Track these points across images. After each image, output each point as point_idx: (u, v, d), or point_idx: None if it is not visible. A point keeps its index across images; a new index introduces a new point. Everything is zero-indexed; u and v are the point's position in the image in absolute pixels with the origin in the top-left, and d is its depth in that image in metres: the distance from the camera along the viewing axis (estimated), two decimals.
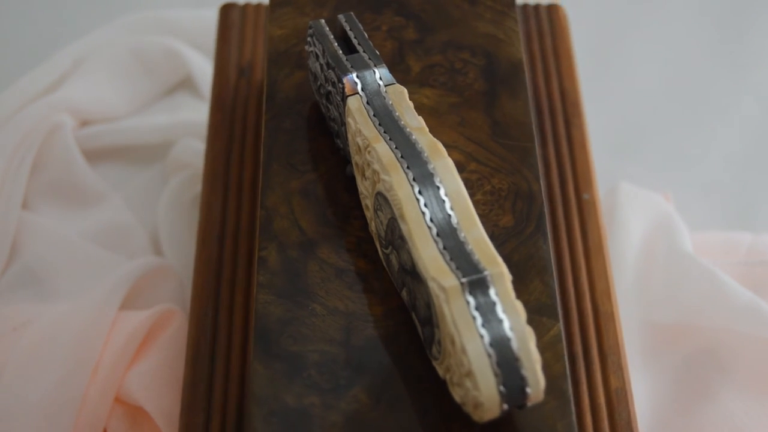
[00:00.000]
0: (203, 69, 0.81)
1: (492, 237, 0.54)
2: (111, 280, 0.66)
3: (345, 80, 0.53)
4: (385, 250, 0.52)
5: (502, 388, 0.46)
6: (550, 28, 0.72)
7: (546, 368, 0.50)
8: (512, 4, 0.63)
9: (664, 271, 0.69)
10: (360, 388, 0.50)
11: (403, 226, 0.49)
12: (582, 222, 0.64)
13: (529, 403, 0.47)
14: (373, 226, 0.53)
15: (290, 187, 0.56)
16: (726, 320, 0.67)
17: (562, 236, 0.63)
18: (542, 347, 0.51)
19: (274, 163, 0.57)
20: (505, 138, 0.58)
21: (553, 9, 0.73)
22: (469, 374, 0.46)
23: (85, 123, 0.78)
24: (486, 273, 0.47)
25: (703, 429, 0.64)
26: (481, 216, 0.55)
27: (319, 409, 0.49)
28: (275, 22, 0.62)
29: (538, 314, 0.52)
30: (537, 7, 0.73)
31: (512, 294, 0.47)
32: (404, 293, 0.51)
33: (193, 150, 0.76)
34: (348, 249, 0.54)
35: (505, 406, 0.46)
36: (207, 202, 0.63)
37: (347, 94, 0.53)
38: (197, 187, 0.75)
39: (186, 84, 0.82)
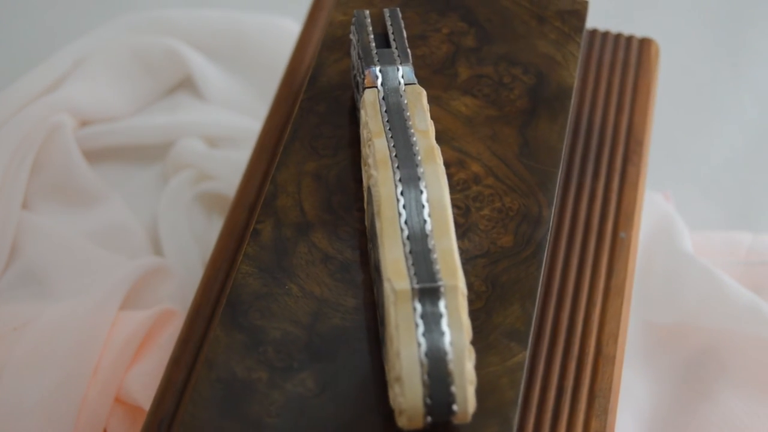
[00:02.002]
0: (203, 69, 0.81)
1: (487, 254, 0.54)
2: (111, 280, 0.66)
3: (367, 72, 0.54)
4: (369, 245, 0.52)
5: (428, 399, 0.46)
6: (636, 61, 0.70)
7: (498, 393, 0.50)
8: (580, 29, 0.62)
9: (664, 271, 0.68)
10: (310, 373, 0.50)
11: (377, 224, 0.50)
12: (611, 260, 0.62)
13: (455, 422, 0.47)
14: (366, 220, 0.54)
15: (304, 168, 0.56)
16: (726, 320, 0.66)
17: (586, 271, 0.62)
18: (502, 371, 0.50)
19: (297, 142, 0.58)
20: (530, 159, 0.57)
21: (645, 43, 0.71)
22: (399, 379, 0.46)
23: (85, 123, 0.78)
24: (440, 284, 0.47)
25: (703, 429, 0.64)
26: (482, 231, 0.54)
27: (265, 385, 0.50)
28: (341, 7, 0.63)
29: (507, 338, 0.51)
30: (630, 38, 0.71)
31: (462, 310, 0.47)
32: (375, 290, 0.51)
33: (193, 150, 0.76)
34: (341, 238, 0.54)
35: (429, 419, 0.46)
36: (249, 171, 0.65)
37: (366, 85, 0.54)
38: (197, 187, 0.75)
39: (186, 84, 0.82)
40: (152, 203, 0.76)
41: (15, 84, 0.78)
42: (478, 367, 0.50)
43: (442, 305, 0.47)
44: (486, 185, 0.56)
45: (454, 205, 0.55)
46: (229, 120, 0.78)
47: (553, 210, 0.56)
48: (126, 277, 0.67)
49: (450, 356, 0.46)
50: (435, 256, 0.48)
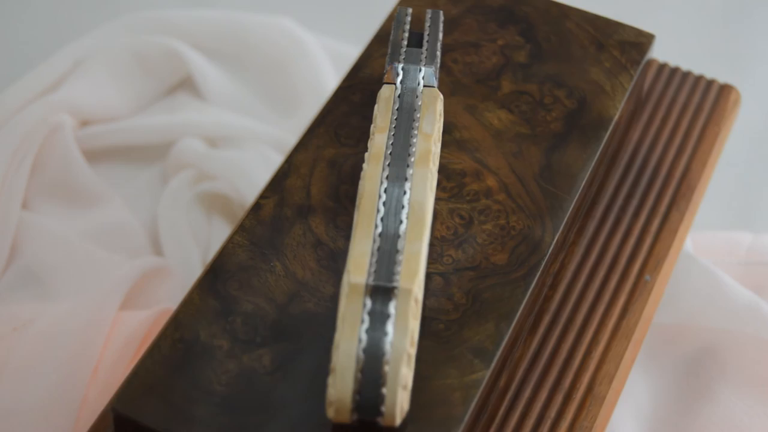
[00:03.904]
0: (203, 69, 0.80)
1: (476, 267, 0.53)
2: (111, 280, 0.67)
3: (389, 68, 0.54)
4: None
5: (357, 396, 0.46)
6: (711, 106, 0.68)
7: (448, 406, 0.49)
8: (638, 62, 0.61)
9: None
10: (268, 350, 0.51)
11: (355, 216, 0.50)
12: (628, 301, 0.60)
13: (383, 424, 0.46)
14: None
15: (322, 153, 0.57)
16: (726, 320, 0.66)
17: (600, 307, 0.60)
18: (457, 386, 0.50)
19: (323, 127, 0.58)
20: (548, 183, 0.56)
21: (726, 89, 0.69)
22: (333, 370, 0.46)
23: (85, 123, 0.78)
24: (395, 285, 0.47)
25: (703, 429, 0.63)
26: (478, 244, 0.54)
27: (223, 353, 0.51)
28: (406, 2, 0.63)
29: (472, 354, 0.51)
30: (712, 82, 0.69)
31: (411, 315, 0.46)
32: None
33: (193, 150, 0.75)
34: (338, 227, 0.55)
35: (356, 416, 0.46)
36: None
37: (385, 81, 0.54)
38: (197, 187, 0.75)
39: (186, 84, 0.82)
40: (152, 203, 0.76)
41: (15, 84, 0.77)
42: (434, 377, 0.50)
43: (392, 306, 0.46)
44: (496, 200, 0.55)
45: (458, 215, 0.55)
46: (229, 120, 0.78)
47: (558, 237, 0.55)
48: (126, 277, 0.67)
49: (387, 357, 0.46)
50: (401, 257, 0.48)
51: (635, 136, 0.67)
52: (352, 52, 0.84)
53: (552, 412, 0.57)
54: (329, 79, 0.81)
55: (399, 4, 0.63)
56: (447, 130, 0.58)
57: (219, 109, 0.80)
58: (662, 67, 0.70)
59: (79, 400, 0.62)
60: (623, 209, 0.64)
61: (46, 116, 0.75)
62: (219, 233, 0.74)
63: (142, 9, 0.85)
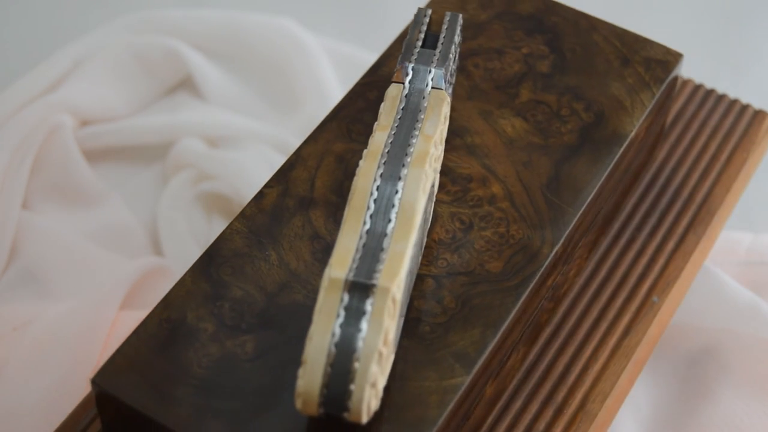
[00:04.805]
0: (203, 69, 0.80)
1: (470, 273, 0.53)
2: (111, 280, 0.67)
3: (400, 67, 0.54)
4: None
5: (325, 389, 0.46)
6: (743, 131, 0.67)
7: (422, 408, 0.49)
8: (662, 80, 0.60)
9: None
10: (252, 338, 0.51)
11: (345, 211, 0.50)
12: (632, 320, 0.60)
13: (350, 420, 0.46)
14: None
15: (332, 147, 0.57)
16: (726, 320, 0.67)
17: (603, 324, 0.60)
18: (434, 388, 0.50)
19: (335, 121, 0.58)
20: (554, 194, 0.56)
21: (760, 115, 0.68)
22: (304, 362, 0.46)
23: (85, 123, 0.78)
24: (374, 283, 0.47)
25: (704, 429, 0.63)
26: (475, 250, 0.54)
27: (207, 336, 0.51)
28: (435, 4, 0.63)
29: (454, 358, 0.51)
30: (746, 107, 0.68)
31: (386, 314, 0.46)
32: None
33: (193, 150, 0.75)
34: (337, 221, 0.55)
35: (322, 410, 0.46)
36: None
37: (394, 80, 0.54)
38: (197, 187, 0.75)
39: (186, 84, 0.82)
40: (152, 203, 0.76)
41: (15, 84, 0.78)
42: (413, 378, 0.50)
43: (368, 303, 0.46)
44: (499, 208, 0.55)
45: (459, 219, 0.55)
46: (229, 120, 0.78)
47: (557, 249, 0.54)
48: (126, 277, 0.67)
49: (358, 354, 0.46)
50: (384, 256, 0.48)
51: (661, 155, 0.66)
52: (352, 52, 0.84)
53: (541, 426, 0.56)
54: (329, 79, 0.81)
55: (428, 5, 0.63)
56: (459, 134, 0.58)
57: (219, 109, 0.80)
58: (697, 88, 0.69)
59: (79, 400, 0.62)
60: (639, 228, 0.63)
61: (46, 116, 0.75)
62: (219, 233, 0.74)
63: (142, 9, 0.85)
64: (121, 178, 0.78)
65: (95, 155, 0.78)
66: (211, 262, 0.53)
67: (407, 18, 0.83)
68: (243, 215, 0.55)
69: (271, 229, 0.54)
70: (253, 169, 0.74)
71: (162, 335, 0.51)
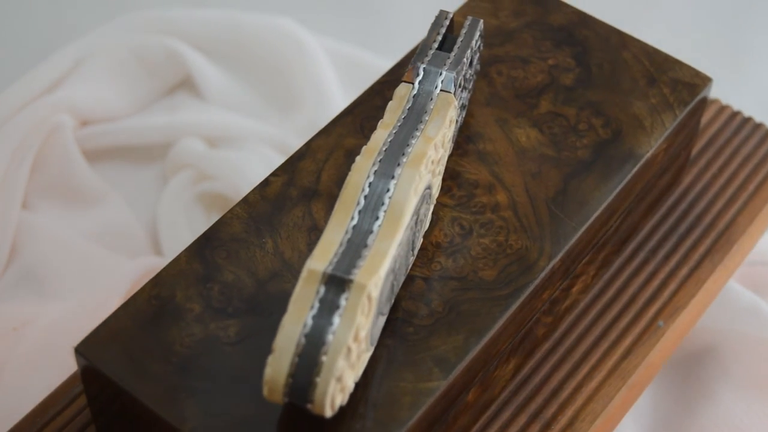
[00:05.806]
0: (203, 69, 0.79)
1: (462, 279, 0.53)
2: (111, 280, 0.67)
3: (410, 67, 0.54)
4: None
5: (290, 379, 0.46)
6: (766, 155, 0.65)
7: (395, 409, 0.49)
8: (687, 103, 0.59)
9: None
10: (237, 322, 0.51)
11: (336, 205, 0.50)
12: (634, 343, 0.59)
13: (313, 412, 0.47)
14: None
15: (343, 142, 0.57)
16: (726, 320, 0.66)
17: (604, 343, 0.59)
18: (409, 390, 0.49)
19: (350, 116, 0.58)
20: (558, 208, 0.55)
21: None
22: (273, 350, 0.46)
23: (85, 123, 0.78)
24: (352, 278, 0.47)
25: (704, 429, 0.63)
26: (471, 257, 0.53)
27: (193, 316, 0.51)
28: (463, 10, 0.63)
29: (433, 362, 0.50)
30: None
31: (361, 311, 0.46)
32: None
33: (193, 150, 0.75)
34: None
35: (287, 399, 0.46)
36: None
37: (404, 79, 0.54)
38: (197, 187, 0.75)
39: (186, 84, 0.81)
40: (152, 203, 0.76)
41: (15, 84, 0.78)
42: (388, 378, 0.50)
43: (343, 297, 0.46)
44: (501, 216, 0.55)
45: (459, 224, 0.54)
46: (229, 120, 0.78)
47: (555, 264, 0.54)
48: (126, 277, 0.67)
49: (327, 347, 0.46)
50: (367, 252, 0.48)
51: (687, 179, 0.65)
52: (352, 52, 0.84)
53: None
54: (329, 79, 0.81)
55: (461, 9, 0.63)
56: (472, 139, 0.57)
57: (219, 109, 0.80)
58: (734, 114, 0.67)
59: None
60: (654, 251, 0.62)
61: (46, 116, 0.75)
62: None
63: (142, 9, 0.85)
64: (121, 178, 0.78)
65: (95, 155, 0.78)
66: (207, 244, 0.54)
67: (408, 18, 0.83)
68: (246, 201, 0.55)
69: (271, 217, 0.55)
70: (253, 170, 0.74)
71: (149, 311, 0.52)
